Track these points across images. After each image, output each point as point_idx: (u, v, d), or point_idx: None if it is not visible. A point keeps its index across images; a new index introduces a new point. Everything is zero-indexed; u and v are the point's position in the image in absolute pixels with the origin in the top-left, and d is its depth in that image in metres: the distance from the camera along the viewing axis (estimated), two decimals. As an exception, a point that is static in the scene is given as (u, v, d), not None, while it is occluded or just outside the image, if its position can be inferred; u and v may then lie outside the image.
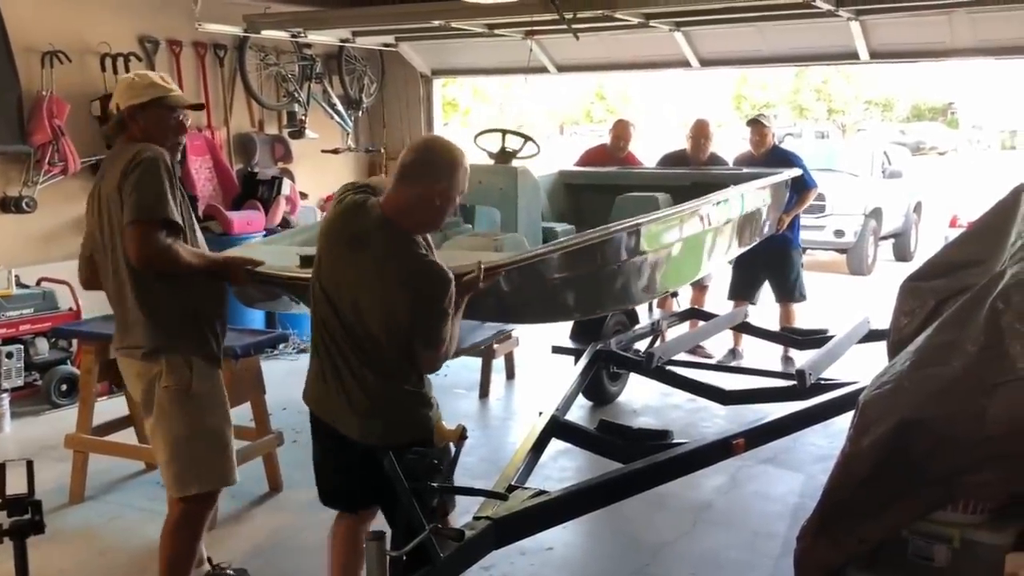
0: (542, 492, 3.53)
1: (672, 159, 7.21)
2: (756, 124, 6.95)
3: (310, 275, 3.11)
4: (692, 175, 6.62)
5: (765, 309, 7.28)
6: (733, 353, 7.12)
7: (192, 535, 3.35)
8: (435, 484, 2.78)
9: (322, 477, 3.17)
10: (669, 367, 5.39)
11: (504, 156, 5.46)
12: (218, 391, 3.37)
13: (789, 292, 6.99)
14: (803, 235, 7.30)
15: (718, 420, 5.74)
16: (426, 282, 2.82)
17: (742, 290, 7.04)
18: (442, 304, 2.83)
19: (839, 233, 11.49)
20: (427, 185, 2.84)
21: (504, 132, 5.56)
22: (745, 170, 6.69)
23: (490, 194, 5.28)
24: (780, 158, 6.86)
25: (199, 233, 3.43)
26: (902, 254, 13.04)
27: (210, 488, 3.35)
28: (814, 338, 6.14)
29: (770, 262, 6.84)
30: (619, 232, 4.37)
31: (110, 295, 3.35)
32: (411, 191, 2.85)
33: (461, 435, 2.91)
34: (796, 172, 6.58)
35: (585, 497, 3.61)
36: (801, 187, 6.71)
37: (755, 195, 5.99)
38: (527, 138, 5.54)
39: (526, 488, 3.53)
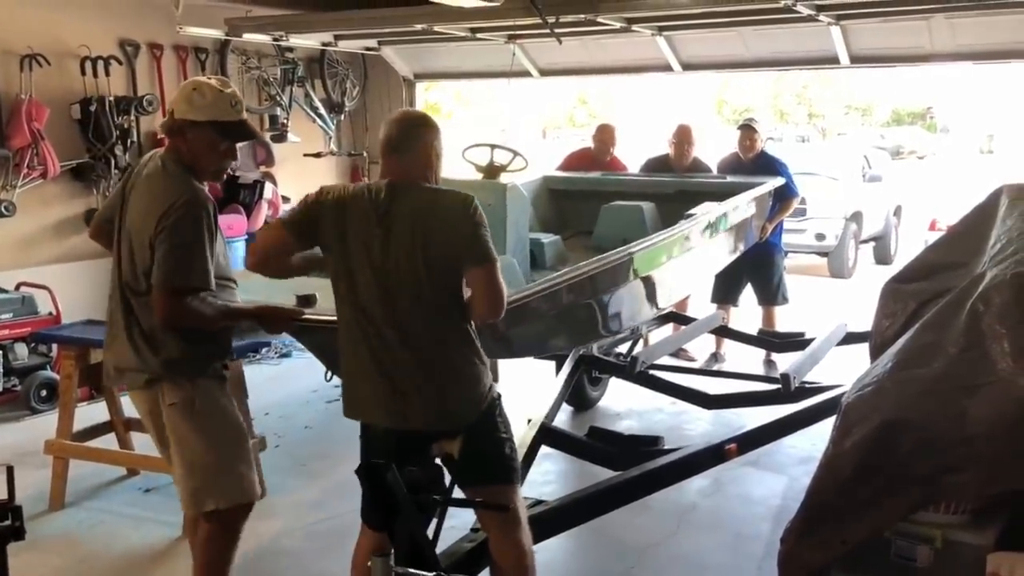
0: (540, 502, 3.54)
1: (655, 164, 7.23)
2: (747, 129, 6.98)
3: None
4: (676, 183, 6.62)
5: (747, 312, 7.32)
6: (715, 357, 7.15)
7: (224, 548, 3.24)
8: (437, 496, 2.77)
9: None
10: (652, 371, 5.40)
11: (492, 170, 5.41)
12: (227, 405, 3.24)
13: (772, 296, 7.03)
14: (784, 238, 7.35)
15: (701, 423, 5.76)
16: (461, 206, 2.86)
17: (725, 293, 7.08)
18: (481, 215, 2.87)
19: (820, 236, 11.56)
20: (422, 147, 2.92)
21: (493, 147, 5.50)
22: (729, 178, 6.70)
23: None
24: (767, 164, 6.89)
25: (229, 273, 3.26)
26: (883, 257, 13.13)
27: (228, 504, 3.18)
28: (791, 341, 6.18)
29: (753, 266, 6.86)
30: (590, 272, 4.17)
31: (110, 313, 3.22)
32: (407, 157, 2.91)
33: (462, 446, 2.90)
34: (780, 181, 6.60)
35: (583, 506, 3.62)
36: (784, 195, 6.75)
37: (742, 208, 6.01)
38: (516, 153, 5.50)
39: (523, 498, 3.54)
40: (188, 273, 2.95)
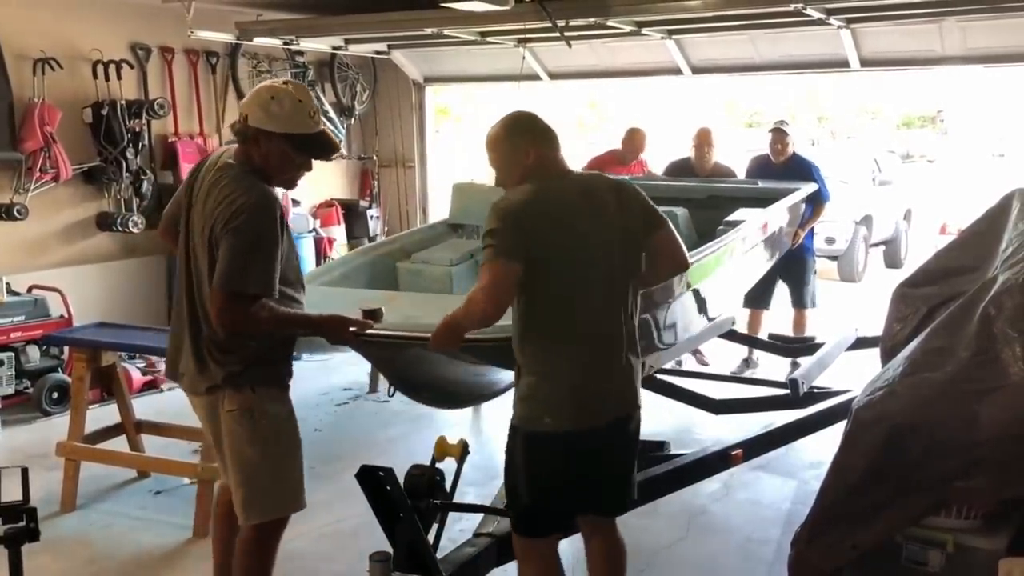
0: None
1: (677, 168, 7.19)
2: (778, 132, 6.89)
3: (424, 332, 2.95)
4: (707, 188, 6.55)
5: (774, 316, 7.20)
6: (747, 362, 7.03)
7: (263, 558, 3.15)
8: (437, 501, 2.78)
9: (567, 497, 2.96)
10: (660, 375, 5.38)
11: None
12: (285, 415, 3.11)
13: (804, 298, 6.95)
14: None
15: (712, 426, 5.74)
16: (624, 183, 3.10)
17: (758, 297, 6.88)
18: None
19: (830, 240, 11.51)
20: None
21: None
22: (760, 184, 6.67)
23: None
24: (799, 166, 6.81)
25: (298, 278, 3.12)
26: (893, 261, 13.08)
27: (274, 516, 3.10)
28: (800, 346, 6.14)
29: (787, 269, 6.77)
30: None
31: (176, 315, 3.11)
32: (559, 150, 3.00)
33: (463, 450, 2.90)
34: (813, 187, 6.51)
35: None
36: (816, 199, 6.65)
37: (781, 216, 5.94)
38: None
39: None
40: (247, 278, 2.82)
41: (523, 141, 2.90)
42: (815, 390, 4.98)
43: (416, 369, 3.56)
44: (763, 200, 5.95)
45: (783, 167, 6.80)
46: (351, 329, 3.06)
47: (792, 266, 6.82)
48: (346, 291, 4.25)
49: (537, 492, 2.86)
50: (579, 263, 2.82)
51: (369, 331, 3.12)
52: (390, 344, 3.27)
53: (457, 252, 5.26)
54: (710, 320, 5.25)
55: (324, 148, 3.05)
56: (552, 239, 2.79)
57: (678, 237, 3.04)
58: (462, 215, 5.78)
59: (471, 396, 4.33)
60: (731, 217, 5.26)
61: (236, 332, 2.91)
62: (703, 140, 7.02)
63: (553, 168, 2.92)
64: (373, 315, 3.14)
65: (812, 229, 6.96)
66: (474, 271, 5.09)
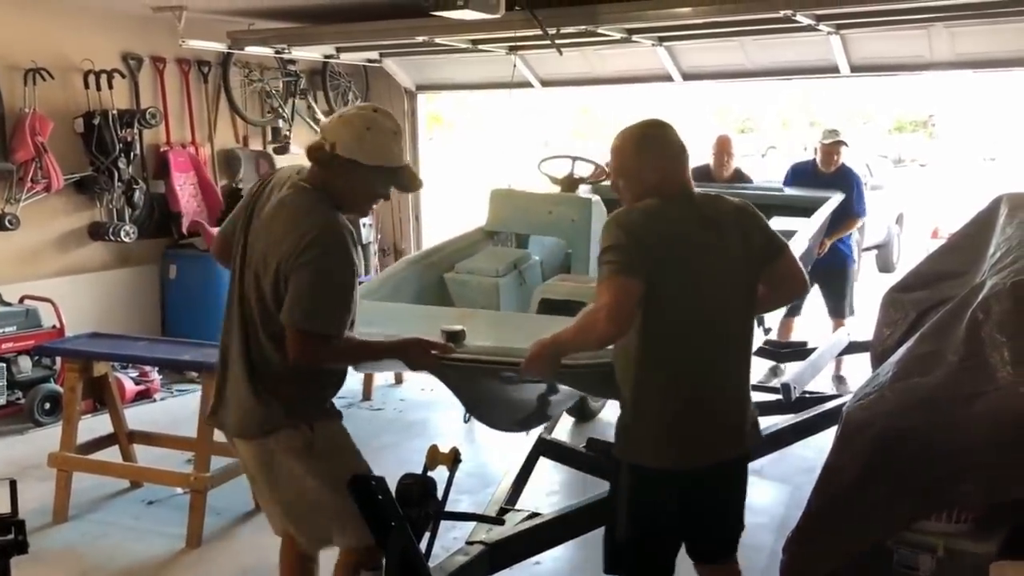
0: (535, 514, 3.54)
1: (696, 174, 7.13)
2: (838, 143, 6.82)
3: (514, 357, 2.79)
4: (731, 194, 6.52)
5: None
6: (840, 380, 6.88)
7: None
8: (429, 510, 2.78)
9: (666, 540, 2.82)
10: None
11: (571, 183, 5.21)
12: (348, 444, 2.92)
13: (844, 308, 6.89)
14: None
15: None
16: (744, 203, 2.86)
17: (791, 305, 6.85)
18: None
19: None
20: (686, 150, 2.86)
21: (574, 159, 5.33)
22: (786, 191, 6.64)
23: (560, 225, 5.01)
24: (845, 178, 6.74)
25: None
26: (885, 265, 13.12)
27: (356, 544, 2.87)
28: (794, 351, 6.15)
29: (827, 278, 6.70)
30: None
31: (224, 347, 2.87)
32: (686, 162, 2.83)
33: (455, 458, 2.89)
34: (840, 197, 6.39)
35: (578, 518, 3.60)
36: (848, 212, 6.58)
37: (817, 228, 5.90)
38: (596, 165, 5.32)
39: (518, 510, 3.54)
40: (324, 319, 2.64)
41: (652, 158, 2.72)
42: (807, 395, 4.99)
43: (497, 394, 3.41)
44: (789, 207, 5.90)
45: (830, 177, 6.73)
46: (433, 352, 2.92)
47: (831, 275, 6.73)
48: (411, 307, 4.11)
49: (635, 530, 2.77)
50: (694, 292, 2.63)
51: (453, 355, 2.95)
52: (470, 369, 3.08)
53: (501, 262, 5.04)
54: (766, 332, 5.20)
55: (410, 182, 2.91)
56: (668, 264, 2.60)
57: (798, 260, 2.87)
58: (500, 223, 5.50)
59: (546, 416, 4.19)
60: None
61: (314, 367, 2.78)
62: (723, 148, 7.05)
63: (677, 189, 2.71)
64: (455, 337, 2.99)
65: (850, 236, 6.91)
66: (519, 282, 5.03)
